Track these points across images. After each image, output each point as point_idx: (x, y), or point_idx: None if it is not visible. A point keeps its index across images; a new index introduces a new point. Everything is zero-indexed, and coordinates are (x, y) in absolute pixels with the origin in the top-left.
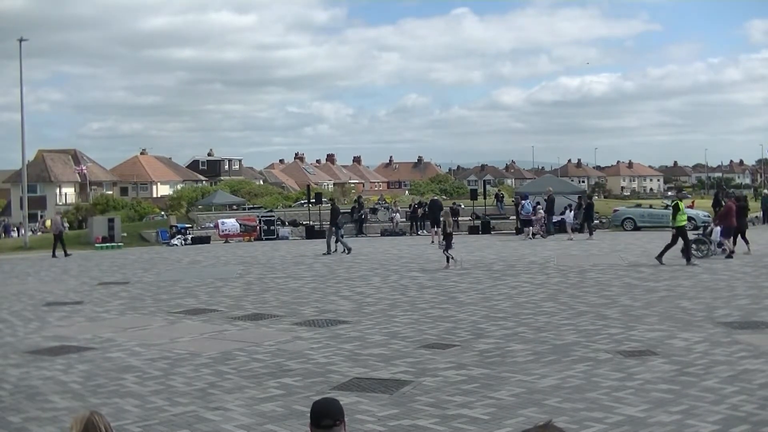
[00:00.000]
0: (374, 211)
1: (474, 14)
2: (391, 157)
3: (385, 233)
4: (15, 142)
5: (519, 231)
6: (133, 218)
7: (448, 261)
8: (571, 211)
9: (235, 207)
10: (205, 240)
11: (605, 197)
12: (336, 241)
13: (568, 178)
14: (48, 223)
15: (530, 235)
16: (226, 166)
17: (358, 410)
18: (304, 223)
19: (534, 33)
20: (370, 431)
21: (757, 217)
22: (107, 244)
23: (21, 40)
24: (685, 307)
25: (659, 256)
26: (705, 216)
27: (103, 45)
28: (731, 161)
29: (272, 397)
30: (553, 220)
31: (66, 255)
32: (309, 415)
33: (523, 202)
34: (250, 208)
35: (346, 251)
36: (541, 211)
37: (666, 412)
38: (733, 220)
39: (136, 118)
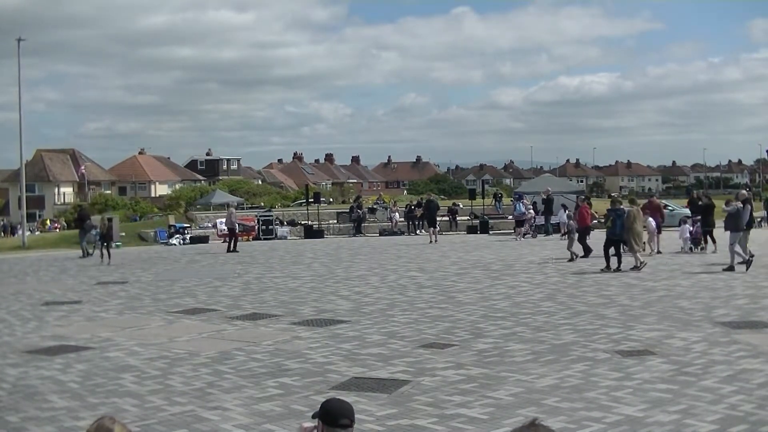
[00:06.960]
0: (372, 210)
1: (475, 13)
2: (389, 156)
3: (383, 233)
4: (13, 142)
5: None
6: (131, 218)
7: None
8: (565, 212)
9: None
10: (203, 239)
11: (608, 197)
12: (85, 243)
13: (566, 177)
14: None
15: (521, 236)
16: (225, 166)
17: (356, 410)
18: (303, 222)
19: (535, 32)
20: (368, 431)
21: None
22: None
23: (19, 40)
24: (683, 306)
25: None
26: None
27: (99, 44)
28: (729, 161)
29: (271, 396)
30: (552, 221)
31: (232, 251)
32: (321, 413)
33: (515, 203)
34: (248, 208)
35: (84, 255)
36: (531, 211)
37: (664, 411)
38: (585, 221)
39: (134, 118)
